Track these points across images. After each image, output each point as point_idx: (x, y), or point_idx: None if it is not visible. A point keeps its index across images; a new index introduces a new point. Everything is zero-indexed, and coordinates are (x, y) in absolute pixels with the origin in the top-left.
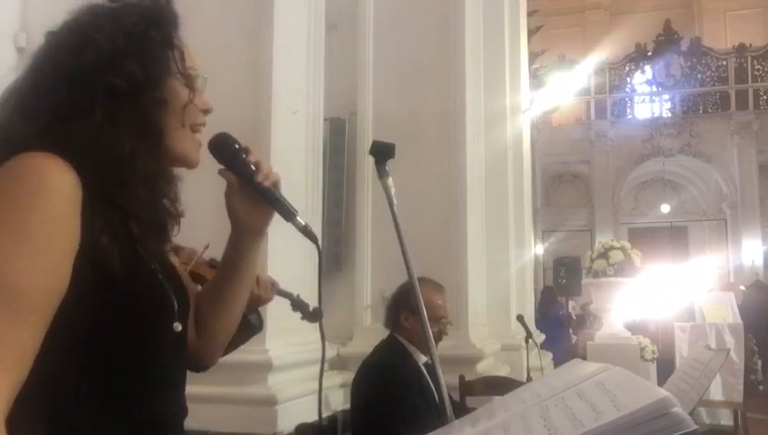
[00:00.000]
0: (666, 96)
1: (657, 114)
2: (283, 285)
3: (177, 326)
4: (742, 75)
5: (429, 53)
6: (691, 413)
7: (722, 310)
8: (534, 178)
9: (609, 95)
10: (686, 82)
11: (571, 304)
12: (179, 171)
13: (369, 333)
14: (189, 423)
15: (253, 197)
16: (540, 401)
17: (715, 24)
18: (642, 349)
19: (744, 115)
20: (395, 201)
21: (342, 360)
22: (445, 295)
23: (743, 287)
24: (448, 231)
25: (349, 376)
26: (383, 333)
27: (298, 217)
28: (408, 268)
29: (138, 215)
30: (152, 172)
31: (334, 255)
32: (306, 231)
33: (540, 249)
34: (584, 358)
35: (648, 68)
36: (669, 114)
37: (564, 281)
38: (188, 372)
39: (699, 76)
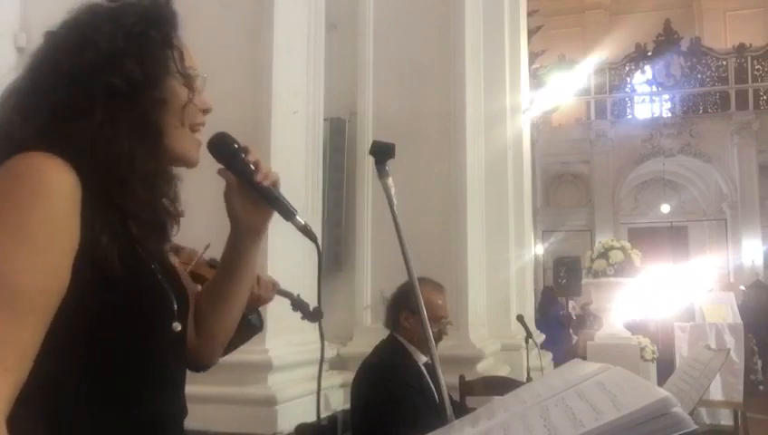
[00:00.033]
0: (666, 96)
1: (657, 114)
2: (283, 285)
3: (177, 326)
4: (742, 75)
5: (429, 53)
6: (691, 413)
7: (722, 310)
8: (534, 178)
9: (609, 95)
10: (686, 82)
11: (571, 304)
12: (179, 171)
13: (369, 333)
14: (189, 423)
15: (252, 196)
16: (540, 401)
17: (715, 24)
18: (642, 349)
19: (744, 115)
20: (395, 201)
21: (342, 360)
22: (445, 295)
23: (743, 287)
24: (448, 231)
25: (349, 376)
26: (383, 333)
27: (297, 217)
28: (408, 268)
29: (137, 215)
30: (151, 172)
31: (334, 255)
32: (306, 230)
33: (540, 249)
34: (584, 358)
35: (648, 68)
36: (669, 114)
37: (564, 281)
38: (188, 372)
39: (699, 76)
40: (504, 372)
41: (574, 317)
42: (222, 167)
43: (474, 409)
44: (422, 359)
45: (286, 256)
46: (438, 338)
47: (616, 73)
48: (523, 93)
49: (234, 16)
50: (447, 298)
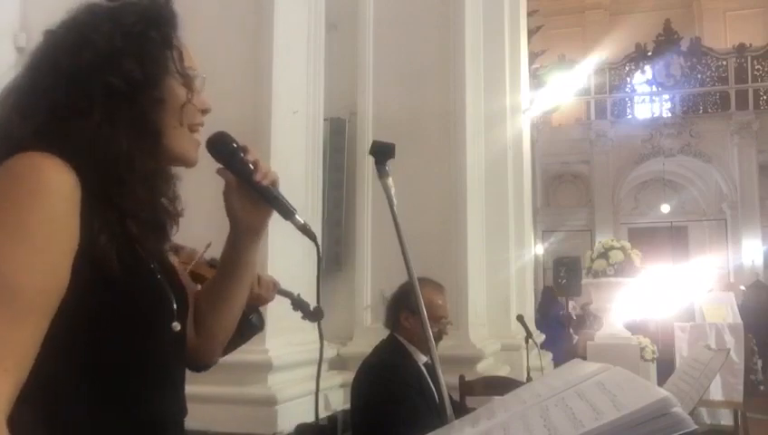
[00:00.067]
0: (666, 96)
1: (657, 114)
2: (284, 285)
3: (176, 326)
4: (742, 75)
5: (429, 53)
6: (691, 413)
7: (722, 310)
8: (534, 178)
9: (609, 95)
10: (686, 82)
11: (571, 304)
12: (178, 170)
13: (369, 333)
14: (189, 423)
15: (251, 195)
16: (540, 401)
17: (715, 24)
18: (642, 349)
19: (744, 115)
20: (395, 201)
21: (342, 360)
22: (445, 295)
23: (743, 287)
24: (448, 231)
25: (349, 376)
26: (383, 333)
27: (297, 216)
28: (408, 268)
29: (136, 214)
30: (150, 172)
31: (334, 255)
32: (305, 229)
33: (540, 249)
34: (584, 358)
35: (648, 68)
36: (669, 114)
37: (564, 281)
38: (189, 372)
39: (699, 76)
40: (504, 372)
41: (574, 317)
42: (221, 166)
43: (474, 409)
44: (422, 359)
45: (286, 255)
46: (438, 338)
47: (616, 73)
48: (523, 93)
49: (234, 16)
50: (447, 298)
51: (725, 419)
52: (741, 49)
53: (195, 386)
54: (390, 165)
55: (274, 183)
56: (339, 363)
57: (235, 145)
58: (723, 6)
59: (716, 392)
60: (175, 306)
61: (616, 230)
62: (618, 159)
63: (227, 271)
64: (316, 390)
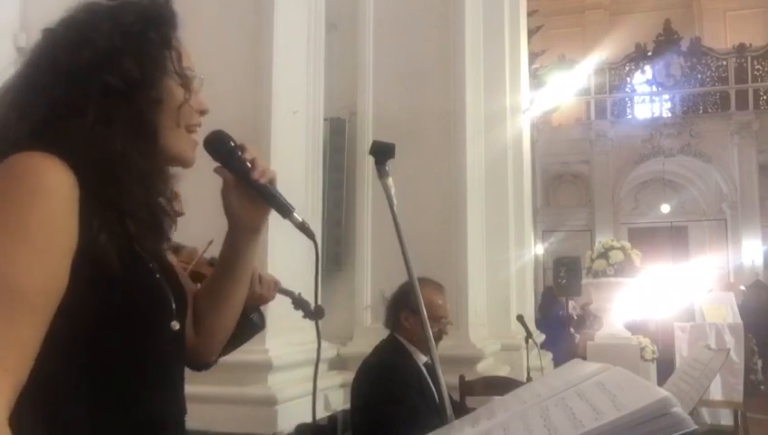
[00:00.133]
0: (666, 96)
1: (657, 114)
2: (284, 284)
3: (175, 325)
4: (742, 75)
5: (429, 53)
6: (691, 413)
7: (722, 310)
8: (534, 178)
9: (609, 95)
10: (686, 82)
11: (571, 304)
12: (178, 170)
13: (369, 333)
14: (189, 423)
15: (249, 194)
16: (540, 401)
17: (715, 24)
18: (642, 349)
19: (744, 115)
20: (395, 201)
21: (342, 360)
22: (445, 295)
23: (743, 287)
24: (448, 231)
25: (349, 376)
26: (383, 333)
27: (295, 214)
28: (408, 268)
29: (134, 214)
30: (147, 171)
31: (334, 255)
32: (303, 227)
33: (540, 249)
34: (584, 358)
35: (648, 68)
36: (669, 114)
37: (564, 281)
38: (189, 372)
39: (699, 76)
40: (504, 372)
41: (575, 317)
42: (219, 165)
43: (474, 409)
44: (422, 359)
45: (286, 254)
46: (438, 338)
47: (616, 73)
48: (523, 93)
49: (234, 16)
50: (447, 298)
51: (725, 419)
52: (741, 49)
53: (195, 386)
54: (390, 165)
55: (272, 181)
56: (339, 363)
57: (232, 143)
58: (723, 6)
59: (716, 392)
60: (174, 305)
61: (616, 230)
62: (618, 159)
63: (226, 270)
64: (313, 389)
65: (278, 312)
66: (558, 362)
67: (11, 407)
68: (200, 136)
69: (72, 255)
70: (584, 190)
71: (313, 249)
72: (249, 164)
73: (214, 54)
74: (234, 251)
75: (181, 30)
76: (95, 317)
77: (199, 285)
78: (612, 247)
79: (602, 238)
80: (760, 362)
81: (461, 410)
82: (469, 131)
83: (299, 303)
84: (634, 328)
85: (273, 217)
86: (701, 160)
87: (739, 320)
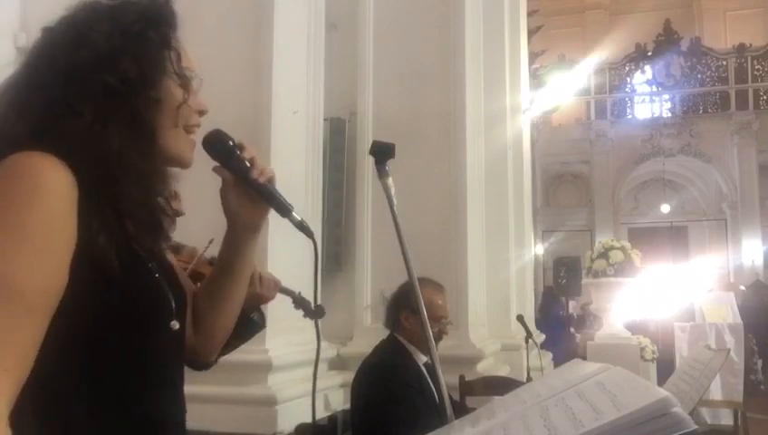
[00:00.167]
0: (666, 96)
1: (657, 114)
2: (284, 284)
3: (175, 325)
4: (742, 75)
5: (429, 53)
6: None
7: (722, 310)
8: (534, 178)
9: (609, 95)
10: (686, 82)
11: (572, 304)
12: (178, 169)
13: (369, 333)
14: (189, 423)
15: (248, 193)
16: (540, 401)
17: (715, 24)
18: (642, 349)
19: (744, 115)
20: (395, 201)
21: (342, 360)
22: (445, 295)
23: (743, 287)
24: (448, 231)
25: (349, 376)
26: (383, 333)
27: (294, 213)
28: (408, 268)
29: (132, 214)
30: (146, 171)
31: (334, 255)
32: (302, 226)
33: (540, 249)
34: (584, 358)
35: (648, 68)
36: (669, 114)
37: (564, 281)
38: (189, 372)
39: (699, 76)
40: (504, 372)
41: (576, 317)
42: (217, 164)
43: (474, 409)
44: (422, 359)
45: (286, 254)
46: (438, 338)
47: (616, 73)
48: (523, 93)
49: (234, 16)
50: (447, 298)
51: (725, 419)
52: (741, 49)
53: (195, 386)
54: (390, 165)
55: (271, 180)
56: (339, 363)
57: (231, 143)
58: (723, 6)
59: (716, 392)
60: (173, 305)
61: (616, 230)
62: (618, 159)
63: (225, 269)
64: (313, 389)
65: (278, 312)
66: (558, 362)
67: (11, 406)
68: (199, 136)
69: (71, 255)
70: (584, 190)
71: (313, 249)
72: (248, 163)
73: (214, 54)
74: (233, 250)
75: (181, 30)
76: (94, 317)
77: (200, 284)
78: (612, 247)
79: (602, 238)
80: (760, 362)
81: (461, 410)
82: (469, 131)
83: (299, 302)
84: (634, 328)
85: (273, 217)
86: (701, 160)
87: (739, 320)
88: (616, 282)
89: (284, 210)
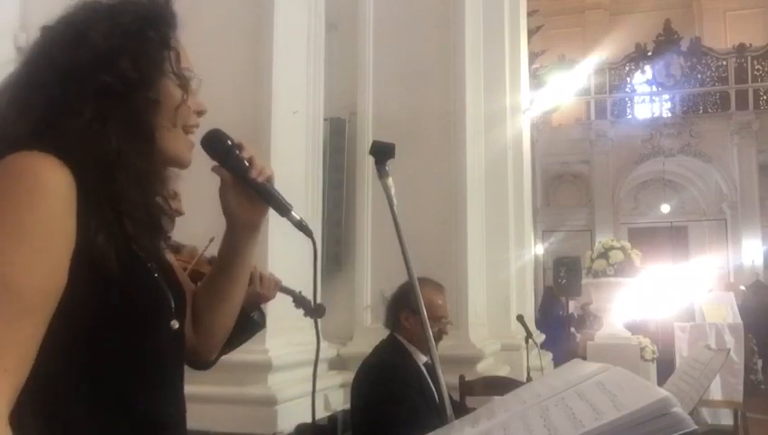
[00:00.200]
0: (666, 96)
1: (657, 114)
2: (284, 283)
3: (175, 324)
4: (742, 75)
5: (429, 53)
6: (691, 413)
7: (722, 310)
8: (534, 178)
9: (609, 95)
10: (686, 82)
11: (572, 304)
12: (178, 169)
13: (369, 333)
14: (189, 423)
15: (247, 192)
16: (540, 401)
17: (715, 24)
18: (642, 349)
19: (744, 115)
20: (395, 201)
21: (342, 360)
22: (445, 295)
23: (743, 287)
24: (448, 231)
25: (349, 376)
26: (383, 333)
27: (293, 212)
28: (408, 268)
29: (131, 213)
30: (144, 171)
31: (334, 255)
32: (301, 226)
33: (540, 249)
34: (584, 358)
35: (648, 68)
36: (669, 114)
37: (564, 281)
38: (189, 372)
39: (699, 76)
40: (504, 372)
41: (576, 317)
42: (216, 164)
43: (474, 409)
44: (422, 359)
45: (286, 253)
46: (438, 338)
47: (616, 73)
48: (523, 93)
49: (234, 16)
50: (447, 298)
51: (725, 419)
52: (741, 49)
53: (195, 386)
54: (390, 165)
55: (270, 180)
56: (339, 363)
57: (229, 142)
58: (723, 6)
59: (716, 392)
60: (173, 305)
61: (616, 230)
62: (618, 159)
63: (224, 268)
64: (313, 389)
65: (278, 312)
66: (558, 362)
67: (11, 407)
68: (198, 136)
69: (71, 254)
70: (584, 190)
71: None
72: (246, 163)
73: (214, 54)
74: (232, 250)
75: (180, 30)
76: (94, 317)
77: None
78: (612, 247)
79: (602, 238)
80: (760, 362)
81: (461, 410)
82: (469, 131)
83: (300, 301)
84: (634, 328)
85: (273, 217)
86: (701, 160)
87: (739, 320)
88: (616, 282)
89: (283, 209)
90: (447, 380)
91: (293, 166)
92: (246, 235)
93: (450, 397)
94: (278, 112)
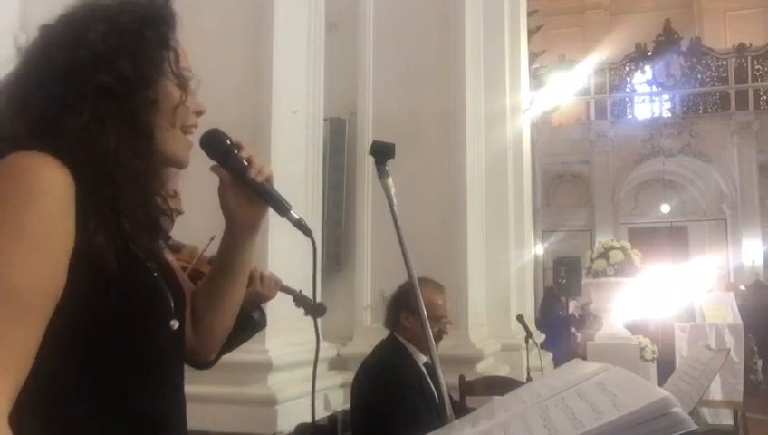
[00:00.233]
0: (666, 96)
1: (657, 114)
2: (284, 282)
3: (174, 324)
4: (742, 75)
5: (429, 53)
6: (691, 413)
7: (722, 310)
8: (534, 178)
9: (609, 95)
10: (686, 82)
11: (572, 304)
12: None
13: (369, 333)
14: (189, 423)
15: (246, 192)
16: (540, 401)
17: (715, 24)
18: (642, 349)
19: (744, 115)
20: (395, 201)
21: (342, 360)
22: (445, 295)
23: (743, 287)
24: (448, 231)
25: (349, 376)
26: (383, 333)
27: (292, 212)
28: (408, 268)
29: (129, 213)
30: (142, 171)
31: (334, 255)
32: (300, 225)
33: (540, 249)
34: (584, 358)
35: (648, 68)
36: (669, 114)
37: (564, 281)
38: (189, 372)
39: (699, 76)
40: (504, 372)
41: (576, 317)
42: (215, 163)
43: (474, 409)
44: (422, 359)
45: (286, 253)
46: (438, 338)
47: (616, 73)
48: (523, 93)
49: (234, 16)
50: (447, 298)
51: (725, 419)
52: (741, 49)
53: (195, 386)
54: (390, 165)
55: (269, 179)
56: (339, 363)
57: (228, 142)
58: (723, 6)
59: (716, 392)
60: (172, 304)
61: (616, 230)
62: (618, 159)
63: (224, 268)
64: (312, 389)
65: (278, 312)
66: (558, 362)
67: (11, 406)
68: (198, 136)
69: (69, 254)
70: (584, 190)
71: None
72: (245, 162)
73: (214, 54)
74: (231, 249)
75: (179, 30)
76: (93, 317)
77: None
78: (612, 247)
79: (602, 238)
80: (760, 362)
81: (461, 410)
82: (469, 131)
83: (300, 300)
84: (634, 328)
85: (273, 217)
86: (701, 160)
87: (739, 320)
88: (616, 282)
89: (282, 209)
90: (447, 380)
91: (293, 166)
92: (246, 234)
93: (450, 397)
94: (278, 112)
